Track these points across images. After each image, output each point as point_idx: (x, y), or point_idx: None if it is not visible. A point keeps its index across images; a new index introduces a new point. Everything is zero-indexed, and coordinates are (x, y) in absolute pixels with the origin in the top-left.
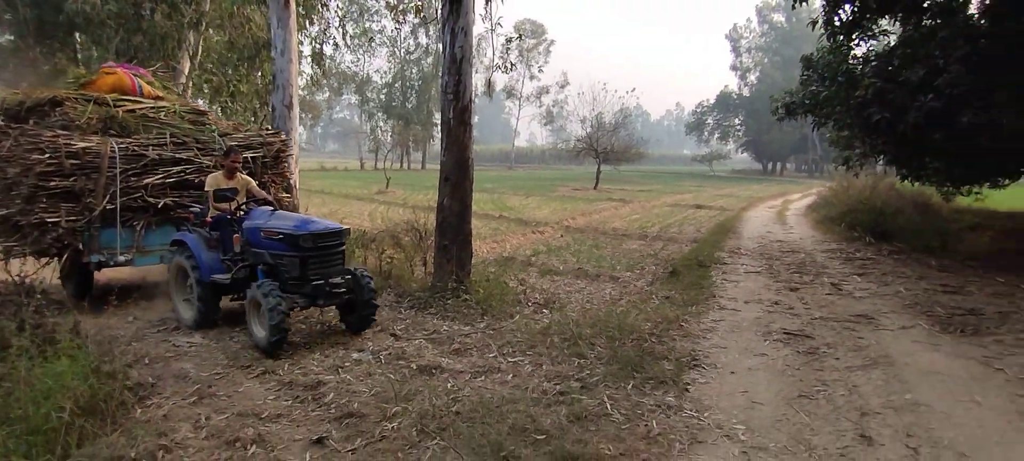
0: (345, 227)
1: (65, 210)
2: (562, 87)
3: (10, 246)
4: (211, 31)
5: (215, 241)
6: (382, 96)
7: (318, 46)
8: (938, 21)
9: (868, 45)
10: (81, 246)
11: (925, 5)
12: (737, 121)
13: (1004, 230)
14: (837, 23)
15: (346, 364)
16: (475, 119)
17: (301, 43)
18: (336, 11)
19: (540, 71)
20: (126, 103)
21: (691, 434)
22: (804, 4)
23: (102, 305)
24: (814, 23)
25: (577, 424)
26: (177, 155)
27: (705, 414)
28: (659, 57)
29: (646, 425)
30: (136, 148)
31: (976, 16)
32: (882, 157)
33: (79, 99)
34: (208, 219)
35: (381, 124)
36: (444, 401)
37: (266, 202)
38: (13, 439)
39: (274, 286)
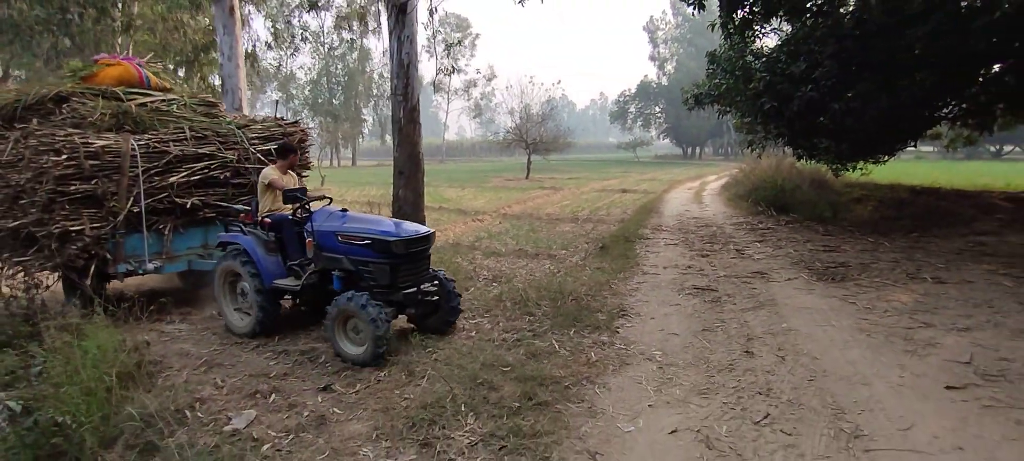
0: (432, 231)
1: (88, 217)
2: (489, 80)
3: (25, 261)
4: (142, 35)
5: (273, 243)
6: (307, 92)
7: (250, 47)
8: (818, 20)
9: (761, 42)
10: (108, 256)
11: (807, 6)
12: (657, 109)
13: (883, 200)
14: (731, 26)
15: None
16: None
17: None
18: (268, 13)
19: (467, 65)
20: (136, 96)
21: (620, 359)
22: (703, 10)
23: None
24: (713, 26)
25: (533, 359)
26: (199, 150)
27: (631, 346)
28: (583, 48)
29: (586, 356)
30: (156, 145)
31: (846, 17)
32: (780, 139)
33: (86, 94)
34: (267, 220)
35: (309, 122)
36: (423, 353)
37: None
38: (78, 397)
39: (367, 297)
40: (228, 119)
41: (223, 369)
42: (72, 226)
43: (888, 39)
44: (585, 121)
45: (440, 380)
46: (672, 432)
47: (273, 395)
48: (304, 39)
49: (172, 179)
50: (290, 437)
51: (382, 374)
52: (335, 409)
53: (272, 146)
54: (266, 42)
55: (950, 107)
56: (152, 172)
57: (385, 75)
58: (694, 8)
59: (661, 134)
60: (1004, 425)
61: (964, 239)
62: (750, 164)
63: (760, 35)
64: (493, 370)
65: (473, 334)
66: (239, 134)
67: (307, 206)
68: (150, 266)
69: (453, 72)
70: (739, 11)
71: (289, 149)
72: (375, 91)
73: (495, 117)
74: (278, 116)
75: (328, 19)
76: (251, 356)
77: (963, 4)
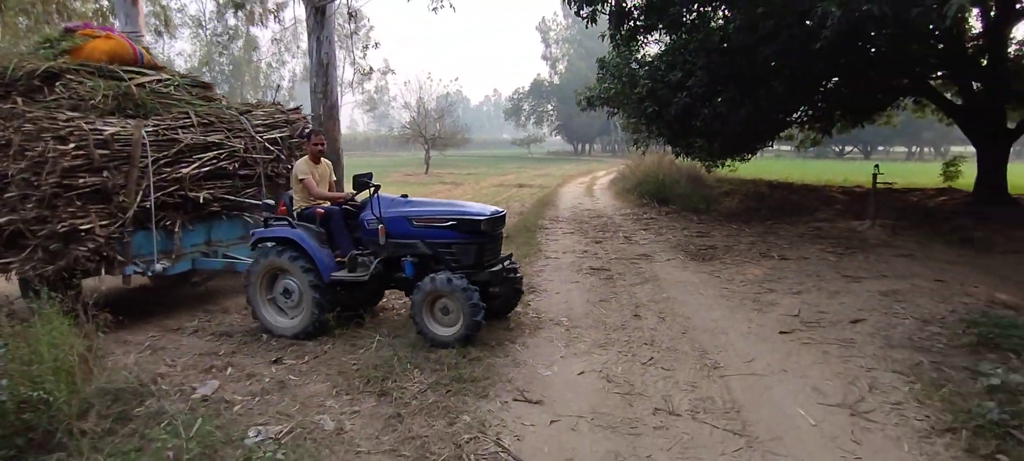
0: (505, 211)
1: (96, 213)
2: (384, 74)
3: (8, 264)
4: (13, 17)
5: (324, 236)
6: None
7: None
8: (692, 35)
9: (644, 51)
10: (120, 256)
11: (683, 21)
12: (550, 107)
13: (747, 193)
14: (619, 37)
15: None
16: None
17: None
18: None
19: (362, 58)
20: (133, 75)
21: (534, 325)
22: (595, 23)
23: None
24: (603, 36)
25: None
26: (207, 139)
27: (542, 314)
28: (478, 46)
29: (506, 323)
30: (165, 132)
31: (714, 32)
32: (661, 139)
33: (81, 71)
34: (319, 211)
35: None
36: (360, 329)
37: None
38: (46, 374)
39: (462, 278)
40: (226, 105)
41: (168, 352)
42: (82, 224)
43: (747, 54)
44: (480, 117)
45: (385, 346)
46: (580, 373)
47: (229, 369)
48: (192, 24)
49: (184, 171)
50: (257, 398)
51: (327, 346)
52: (291, 376)
53: (277, 135)
54: (155, 28)
55: (799, 113)
56: (161, 163)
57: (274, 66)
58: (587, 22)
59: (553, 131)
60: (815, 354)
61: (806, 225)
62: (635, 161)
63: (644, 44)
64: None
65: (402, 310)
66: (243, 121)
67: (356, 196)
68: (158, 266)
69: (369, 73)
70: (626, 24)
71: (308, 133)
72: (263, 82)
73: (389, 112)
74: (276, 102)
75: (210, 4)
76: (192, 341)
77: (808, 22)
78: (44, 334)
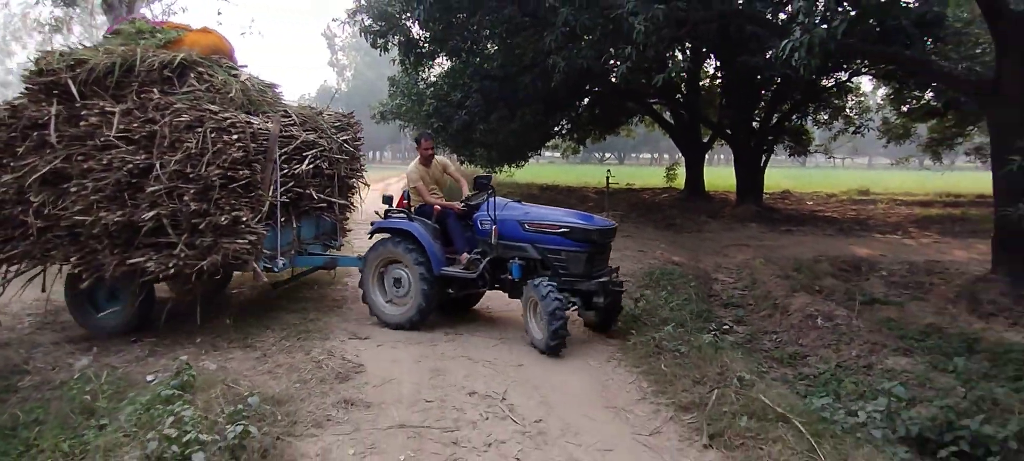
0: (616, 224)
1: (247, 206)
2: None
3: (139, 263)
4: None
5: (438, 231)
6: None
7: None
8: (469, 59)
9: (429, 72)
10: (267, 250)
11: (462, 50)
12: None
13: (523, 195)
14: (408, 62)
15: None
16: None
17: None
18: None
19: None
20: (237, 72)
21: (354, 297)
22: (387, 51)
23: None
24: (394, 61)
25: (297, 301)
26: (307, 137)
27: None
28: (261, 54)
29: (331, 297)
30: (283, 129)
31: (487, 61)
32: (448, 148)
33: (205, 64)
34: (437, 207)
35: None
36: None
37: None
38: None
39: (553, 286)
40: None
41: (12, 346)
42: (243, 217)
43: (512, 81)
44: None
45: (236, 320)
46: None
47: (94, 349)
48: None
49: (299, 168)
50: (135, 363)
51: (187, 327)
52: (158, 348)
53: (347, 136)
54: None
55: (560, 127)
56: (281, 159)
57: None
58: (380, 50)
59: None
60: None
61: None
62: None
63: (429, 67)
64: (274, 308)
65: (245, 290)
66: (321, 122)
67: (471, 196)
68: (280, 263)
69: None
70: (414, 51)
71: (418, 139)
72: None
73: None
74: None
75: None
76: (34, 336)
77: (550, 60)
78: None
